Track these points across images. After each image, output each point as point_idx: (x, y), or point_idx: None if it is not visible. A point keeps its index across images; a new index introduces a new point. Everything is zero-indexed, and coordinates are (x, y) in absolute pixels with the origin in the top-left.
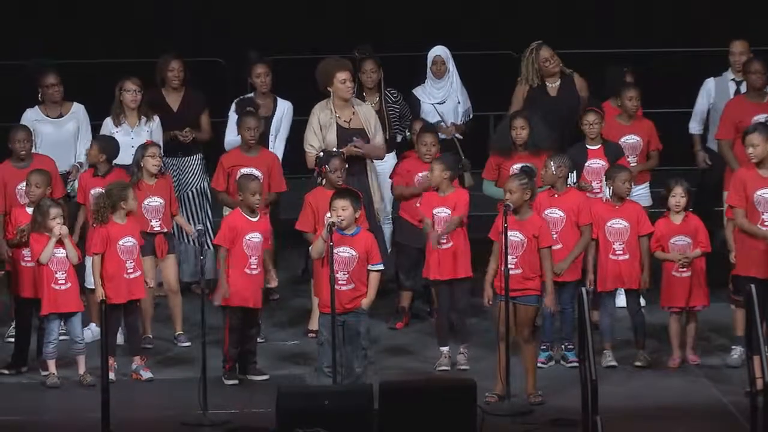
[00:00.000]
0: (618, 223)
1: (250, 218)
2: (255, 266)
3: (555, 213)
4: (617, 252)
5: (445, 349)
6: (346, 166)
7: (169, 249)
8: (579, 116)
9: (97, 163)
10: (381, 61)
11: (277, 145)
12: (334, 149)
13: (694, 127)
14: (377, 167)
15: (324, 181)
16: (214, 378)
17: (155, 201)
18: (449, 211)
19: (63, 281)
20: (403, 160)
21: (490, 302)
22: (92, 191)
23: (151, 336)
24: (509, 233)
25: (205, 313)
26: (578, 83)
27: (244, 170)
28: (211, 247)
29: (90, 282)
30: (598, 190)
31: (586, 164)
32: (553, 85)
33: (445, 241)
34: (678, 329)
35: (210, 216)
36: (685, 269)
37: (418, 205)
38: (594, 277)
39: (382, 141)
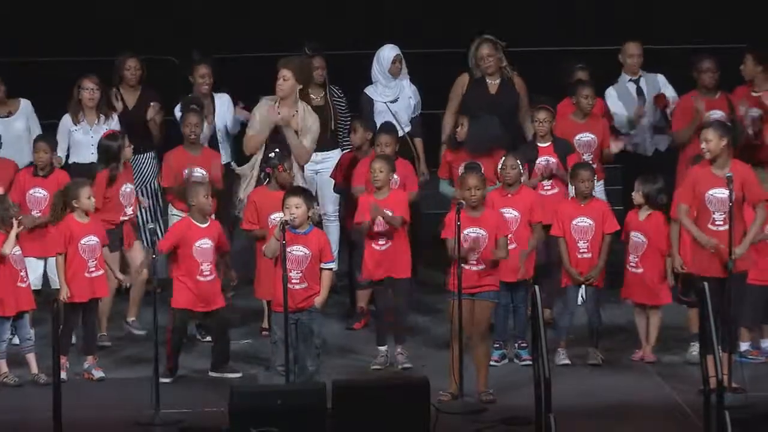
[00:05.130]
0: (583, 222)
1: (200, 225)
2: (208, 272)
3: (509, 213)
4: (581, 250)
5: (382, 348)
6: (293, 164)
7: (137, 238)
8: (531, 113)
9: (55, 163)
10: (326, 57)
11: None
12: (280, 150)
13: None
14: (319, 165)
15: (267, 181)
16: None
17: (128, 187)
18: (390, 212)
19: (25, 278)
20: (364, 160)
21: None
22: (31, 192)
23: (106, 334)
24: (469, 230)
25: (157, 312)
26: (517, 83)
27: (191, 170)
28: None
29: (35, 283)
30: (549, 187)
31: (537, 161)
32: (493, 83)
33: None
34: (642, 323)
35: (162, 214)
36: (635, 265)
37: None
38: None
39: (310, 145)
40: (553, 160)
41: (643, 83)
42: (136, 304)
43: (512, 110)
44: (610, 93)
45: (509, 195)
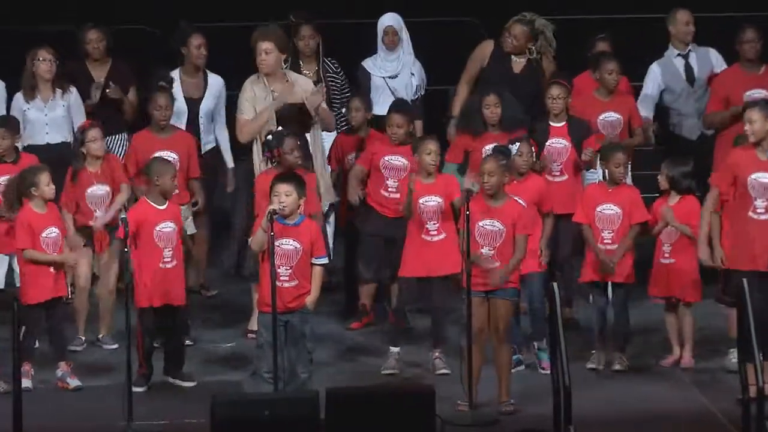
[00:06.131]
0: (609, 209)
1: (158, 207)
2: (170, 259)
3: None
4: (605, 240)
5: (396, 349)
6: (298, 143)
7: (110, 242)
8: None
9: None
10: (320, 27)
11: (219, 130)
12: (282, 129)
13: (642, 114)
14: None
15: (275, 164)
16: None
17: (100, 189)
18: (440, 199)
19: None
20: (369, 141)
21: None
22: (0, 180)
23: (83, 338)
24: (485, 222)
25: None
26: (545, 67)
27: (159, 154)
28: None
29: None
30: (558, 173)
31: (548, 143)
32: (519, 61)
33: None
34: (674, 324)
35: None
36: (668, 255)
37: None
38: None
39: (326, 107)
40: (566, 143)
41: (693, 59)
42: (106, 317)
43: (535, 94)
44: (653, 70)
45: (516, 182)
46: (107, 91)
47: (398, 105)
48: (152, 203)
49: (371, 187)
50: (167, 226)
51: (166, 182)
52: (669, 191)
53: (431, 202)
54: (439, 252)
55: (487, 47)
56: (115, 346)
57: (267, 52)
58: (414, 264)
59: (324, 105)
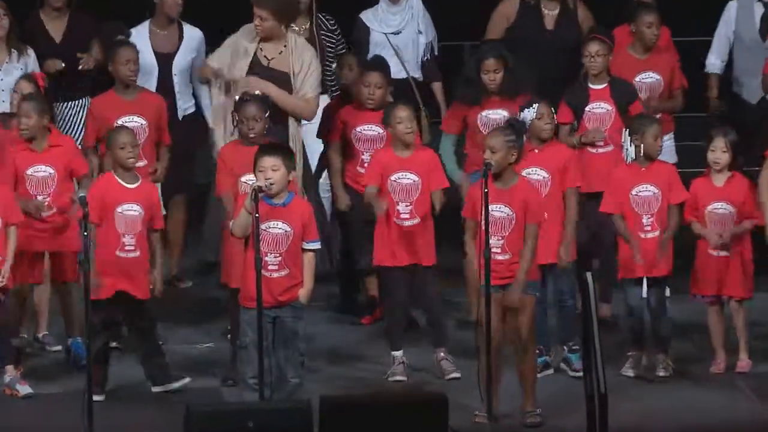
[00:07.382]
0: (646, 190)
1: (125, 185)
2: (132, 248)
3: (537, 174)
4: (645, 227)
5: (398, 353)
6: (266, 114)
7: None
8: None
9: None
10: None
11: (199, 89)
12: (257, 92)
13: (713, 63)
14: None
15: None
16: (109, 392)
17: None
18: (416, 177)
19: None
20: (339, 110)
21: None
22: None
23: (25, 336)
24: (492, 207)
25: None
26: (581, 15)
27: (125, 119)
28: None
29: None
30: (601, 144)
31: (587, 108)
32: (551, 13)
33: None
34: (719, 324)
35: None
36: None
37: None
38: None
39: (313, 96)
40: (609, 107)
41: None
42: (44, 313)
43: (575, 49)
44: (730, 8)
45: (536, 151)
46: (81, 68)
47: (375, 62)
48: (119, 180)
49: (345, 164)
50: (131, 209)
51: (116, 154)
52: (720, 168)
53: (405, 179)
54: (409, 239)
55: (510, 4)
56: (59, 346)
57: (262, 18)
58: (382, 252)
59: (269, 90)
